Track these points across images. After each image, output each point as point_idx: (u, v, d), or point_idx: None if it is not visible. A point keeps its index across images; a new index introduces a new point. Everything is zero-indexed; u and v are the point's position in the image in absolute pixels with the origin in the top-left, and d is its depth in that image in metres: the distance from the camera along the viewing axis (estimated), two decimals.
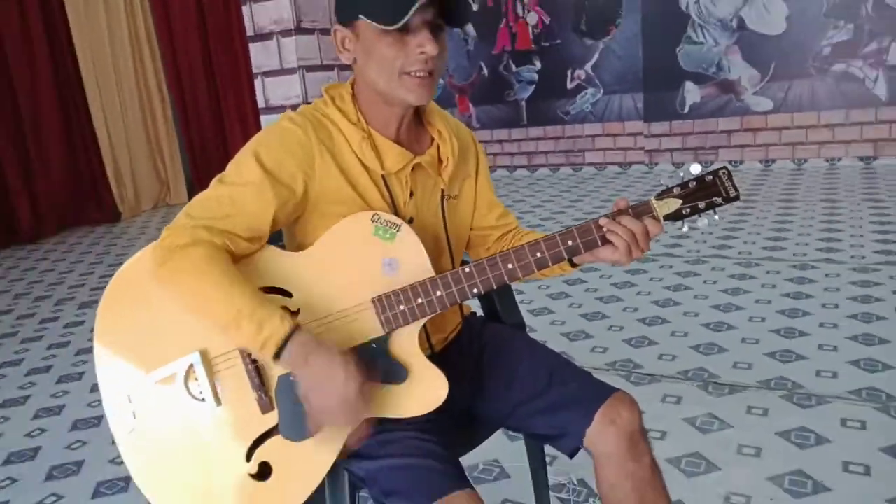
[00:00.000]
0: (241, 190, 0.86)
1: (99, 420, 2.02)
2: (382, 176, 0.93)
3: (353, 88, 0.95)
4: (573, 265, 0.98)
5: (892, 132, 4.67)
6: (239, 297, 0.81)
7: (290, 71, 3.07)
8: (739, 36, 4.93)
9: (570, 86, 5.68)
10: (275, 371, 0.86)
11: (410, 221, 0.95)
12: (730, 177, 0.91)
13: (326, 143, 0.91)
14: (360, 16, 0.86)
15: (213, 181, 0.89)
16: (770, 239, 3.22)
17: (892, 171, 4.52)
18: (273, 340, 0.80)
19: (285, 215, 0.90)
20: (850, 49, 4.63)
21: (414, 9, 0.81)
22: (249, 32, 3.15)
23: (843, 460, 1.47)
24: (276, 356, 0.80)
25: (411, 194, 0.96)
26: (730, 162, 5.22)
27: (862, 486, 1.39)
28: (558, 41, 5.63)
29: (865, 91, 4.66)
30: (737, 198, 0.91)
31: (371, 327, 0.87)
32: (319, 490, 0.89)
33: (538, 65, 5.78)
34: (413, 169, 0.95)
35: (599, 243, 0.90)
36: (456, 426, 1.01)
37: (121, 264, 0.91)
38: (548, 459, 1.26)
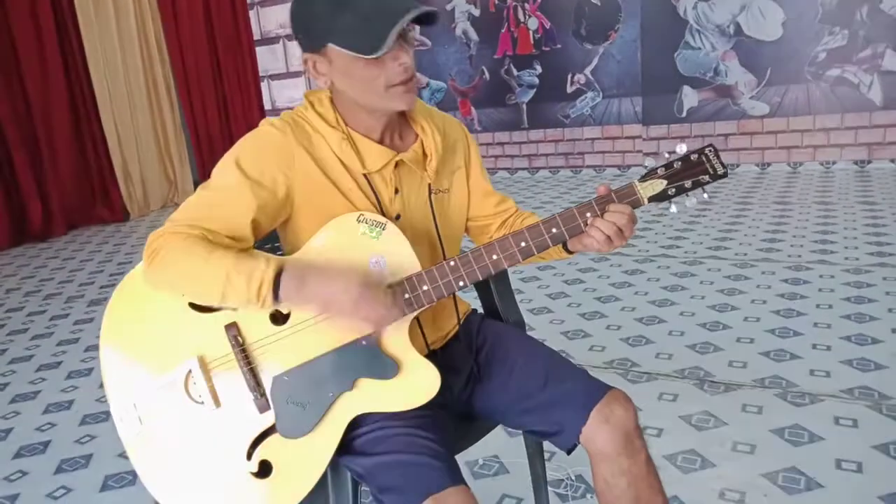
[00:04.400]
0: (221, 194, 0.89)
1: (107, 415, 2.04)
2: (365, 175, 0.94)
3: (331, 93, 0.96)
4: (569, 252, 0.99)
5: (885, 136, 4.72)
6: (221, 261, 0.83)
7: (296, 74, 3.11)
8: (736, 41, 4.97)
9: (570, 90, 5.72)
10: (268, 372, 0.88)
11: (397, 218, 0.96)
12: (716, 154, 0.90)
13: (305, 144, 0.92)
14: (331, 45, 0.86)
15: (199, 188, 0.91)
16: (766, 240, 3.25)
17: (885, 174, 4.55)
18: (266, 284, 0.82)
19: (267, 218, 0.91)
20: (845, 54, 4.67)
21: (392, 39, 0.82)
22: (256, 36, 3.18)
23: (836, 457, 1.49)
24: (276, 297, 0.82)
25: (396, 191, 0.96)
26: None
27: (854, 482, 1.41)
28: (559, 46, 5.67)
29: (860, 96, 4.70)
30: (725, 174, 0.90)
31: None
32: (322, 485, 0.90)
33: (539, 69, 5.82)
34: (396, 166, 0.96)
35: (583, 228, 0.91)
36: (454, 423, 1.02)
37: (129, 262, 0.95)
38: (546, 455, 1.27)
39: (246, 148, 0.92)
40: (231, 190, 0.89)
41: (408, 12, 0.83)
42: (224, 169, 0.90)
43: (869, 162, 4.82)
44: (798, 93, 4.87)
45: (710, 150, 0.90)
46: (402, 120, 1.01)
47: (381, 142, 0.96)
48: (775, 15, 4.80)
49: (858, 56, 4.64)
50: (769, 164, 5.13)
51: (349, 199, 0.94)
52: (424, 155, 1.00)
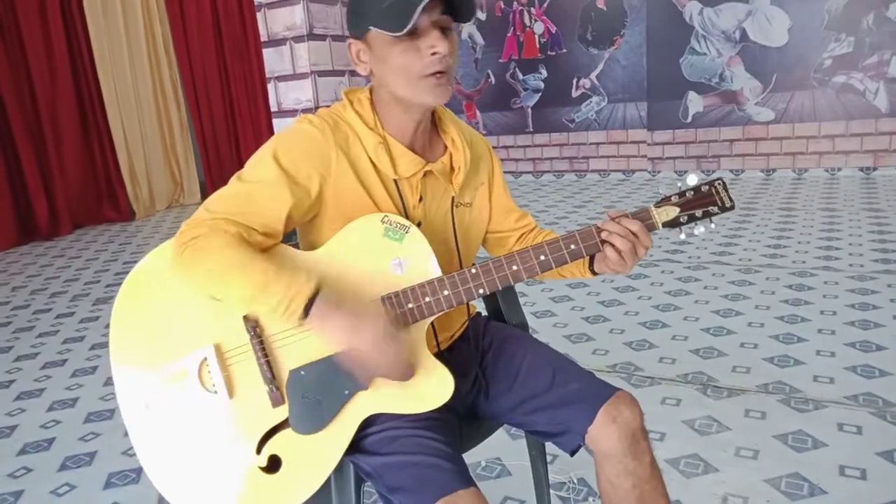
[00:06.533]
0: (258, 187, 0.88)
1: (112, 413, 2.05)
2: (394, 180, 0.95)
3: (371, 93, 0.97)
4: (594, 273, 1.00)
5: (891, 143, 4.71)
6: (262, 265, 0.83)
7: (303, 76, 3.13)
8: (742, 47, 4.98)
9: (575, 94, 5.73)
10: (285, 366, 0.88)
11: (419, 225, 0.96)
12: (725, 188, 0.94)
13: (342, 145, 0.92)
14: (370, 27, 0.88)
15: (232, 178, 0.91)
16: (770, 246, 3.25)
17: (891, 181, 4.54)
18: (301, 296, 0.81)
19: (300, 214, 0.91)
20: (850, 61, 4.67)
21: (418, 12, 0.82)
22: (263, 38, 3.21)
23: (840, 464, 1.49)
24: (306, 312, 0.81)
25: (420, 199, 0.97)
26: (731, 171, 5.26)
27: (857, 489, 1.41)
28: (564, 50, 5.69)
29: (866, 103, 4.70)
30: (732, 207, 0.94)
31: None
32: (325, 483, 0.89)
33: (544, 73, 5.83)
34: (424, 175, 0.97)
35: (601, 247, 0.93)
36: (459, 423, 1.02)
37: (135, 262, 0.92)
38: (549, 458, 1.27)
39: (284, 143, 0.91)
40: (268, 184, 0.88)
41: None
42: (261, 162, 0.89)
43: (874, 169, 4.81)
44: (803, 99, 4.86)
45: (719, 183, 0.94)
46: (433, 129, 1.02)
47: (411, 146, 0.97)
48: (781, 21, 4.80)
49: (864, 63, 4.64)
50: (774, 170, 5.12)
51: (375, 201, 0.94)
52: (452, 168, 1.01)
